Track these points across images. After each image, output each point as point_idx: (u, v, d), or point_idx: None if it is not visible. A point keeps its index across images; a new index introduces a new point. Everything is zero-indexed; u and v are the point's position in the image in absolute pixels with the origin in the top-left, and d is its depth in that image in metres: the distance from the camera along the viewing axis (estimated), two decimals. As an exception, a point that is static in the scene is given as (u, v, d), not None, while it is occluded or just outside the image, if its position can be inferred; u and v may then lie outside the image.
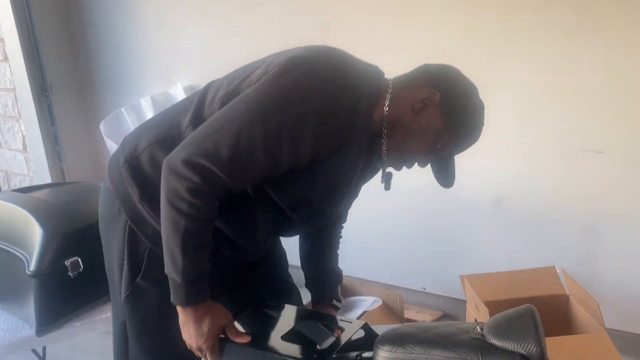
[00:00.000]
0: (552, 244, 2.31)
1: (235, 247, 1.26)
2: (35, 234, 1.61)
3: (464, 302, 2.28)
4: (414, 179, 2.61)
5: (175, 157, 1.07)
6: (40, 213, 1.67)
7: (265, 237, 1.30)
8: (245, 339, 1.15)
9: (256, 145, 1.05)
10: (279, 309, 1.33)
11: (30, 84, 3.15)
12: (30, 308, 1.63)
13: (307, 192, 1.17)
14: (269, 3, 2.61)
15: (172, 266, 1.11)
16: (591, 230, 2.22)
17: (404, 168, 1.24)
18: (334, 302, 1.47)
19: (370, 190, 2.66)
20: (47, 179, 3.31)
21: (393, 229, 2.67)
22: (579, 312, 2.00)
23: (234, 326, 1.18)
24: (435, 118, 1.12)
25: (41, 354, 1.89)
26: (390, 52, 2.15)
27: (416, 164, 1.21)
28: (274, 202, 1.18)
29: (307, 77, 1.07)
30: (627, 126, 2.07)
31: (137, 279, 1.25)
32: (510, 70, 2.21)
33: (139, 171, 1.21)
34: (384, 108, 1.12)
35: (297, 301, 1.42)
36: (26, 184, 3.53)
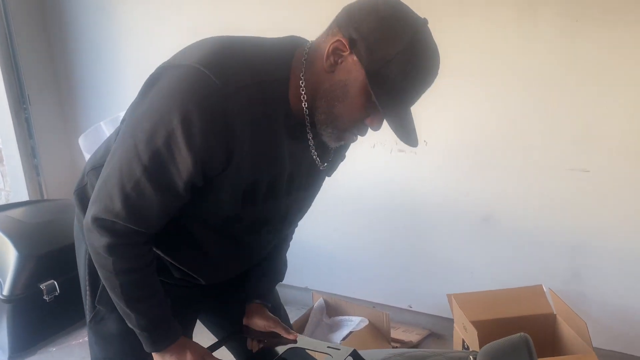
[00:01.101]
0: (538, 262, 2.31)
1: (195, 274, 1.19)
2: (9, 256, 1.55)
3: (451, 320, 2.25)
4: (401, 195, 2.61)
5: (87, 216, 1.00)
6: (15, 234, 1.60)
7: (224, 266, 1.20)
8: None
9: (141, 184, 0.93)
10: (263, 336, 1.28)
11: (7, 95, 3.07)
12: (2, 333, 1.56)
13: (228, 205, 1.03)
14: (260, 14, 2.57)
15: (127, 320, 1.07)
16: (578, 248, 2.22)
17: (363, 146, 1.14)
18: (262, 302, 1.26)
19: (357, 207, 2.65)
20: (24, 194, 3.22)
21: (378, 248, 2.64)
22: (567, 331, 1.99)
23: (213, 356, 1.14)
24: (354, 69, 0.91)
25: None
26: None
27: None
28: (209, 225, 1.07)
29: (175, 83, 0.91)
30: (613, 145, 2.08)
31: (95, 303, 1.20)
32: (496, 87, 2.21)
33: (85, 200, 1.12)
34: (299, 83, 0.96)
35: (284, 321, 1.35)
36: (2, 198, 3.42)
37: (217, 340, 1.30)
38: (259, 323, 1.21)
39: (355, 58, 0.91)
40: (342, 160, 1.22)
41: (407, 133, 0.96)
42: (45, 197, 3.21)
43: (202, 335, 1.34)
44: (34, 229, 1.67)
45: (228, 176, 0.97)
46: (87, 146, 2.83)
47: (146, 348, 1.08)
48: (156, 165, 0.92)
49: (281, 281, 1.33)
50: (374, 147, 2.49)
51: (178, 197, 0.97)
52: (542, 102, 2.15)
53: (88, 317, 1.22)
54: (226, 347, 1.32)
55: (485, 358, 0.96)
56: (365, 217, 2.62)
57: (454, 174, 2.38)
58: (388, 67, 0.89)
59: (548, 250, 2.28)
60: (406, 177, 2.48)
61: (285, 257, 1.34)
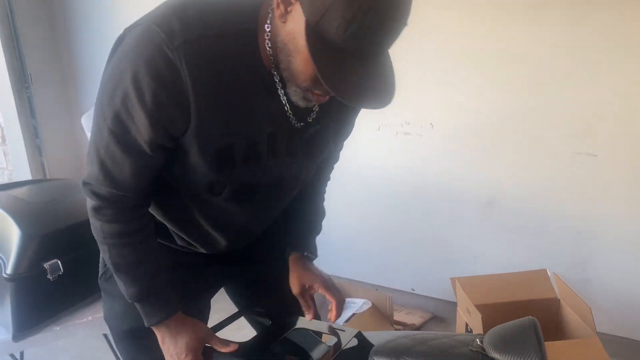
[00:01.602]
0: (543, 247, 2.30)
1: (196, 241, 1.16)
2: (12, 235, 1.54)
3: (454, 303, 2.25)
4: (405, 179, 2.59)
5: (80, 180, 1.01)
6: (18, 213, 1.59)
7: (222, 237, 1.14)
8: (232, 347, 1.10)
9: (110, 147, 0.92)
10: (269, 315, 1.28)
11: (9, 75, 3.05)
12: (6, 312, 1.56)
13: (204, 169, 0.97)
14: None
15: (120, 288, 1.06)
16: (583, 233, 2.20)
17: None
18: (308, 254, 1.23)
19: (361, 190, 2.64)
20: (27, 174, 3.21)
21: (382, 230, 2.64)
22: (570, 316, 1.98)
23: (216, 336, 1.12)
24: (299, 19, 0.81)
25: (19, 358, 1.81)
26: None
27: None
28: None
29: (131, 42, 0.88)
30: (621, 129, 2.06)
31: (100, 279, 1.20)
32: (503, 71, 2.18)
33: None
34: (265, 35, 0.89)
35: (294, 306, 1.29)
36: (5, 177, 3.42)
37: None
38: (302, 279, 1.19)
39: (299, 6, 0.80)
40: (348, 127, 1.14)
41: (356, 91, 0.81)
42: (47, 177, 3.20)
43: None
44: (37, 208, 1.66)
45: (194, 136, 0.92)
46: (90, 125, 2.81)
47: (144, 322, 1.07)
48: (119, 127, 0.91)
49: (319, 232, 1.27)
50: (379, 129, 2.47)
51: (147, 158, 0.94)
52: (550, 86, 2.12)
53: (100, 273, 1.22)
54: (245, 317, 1.31)
55: (492, 341, 0.95)
56: (369, 200, 2.61)
57: (459, 157, 2.36)
58: (326, 17, 0.76)
59: (553, 236, 2.26)
60: (411, 159, 2.46)
61: (322, 207, 1.30)
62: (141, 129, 0.90)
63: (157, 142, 0.92)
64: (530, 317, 0.99)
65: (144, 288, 1.04)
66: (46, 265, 1.57)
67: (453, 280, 2.17)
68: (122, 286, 1.04)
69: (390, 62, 0.86)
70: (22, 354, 1.83)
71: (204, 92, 0.87)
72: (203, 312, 1.29)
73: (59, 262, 1.59)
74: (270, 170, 1.03)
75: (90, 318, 1.70)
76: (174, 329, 1.07)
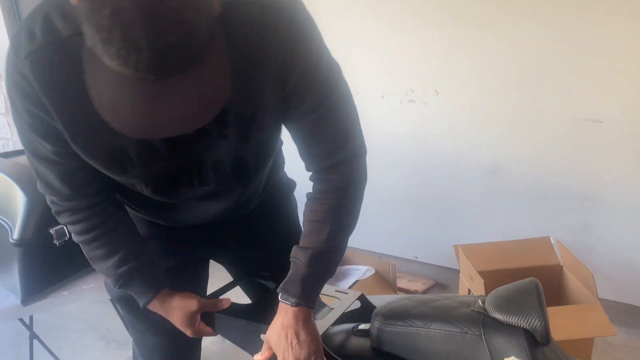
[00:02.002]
0: (547, 214, 2.29)
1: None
2: (18, 201, 1.55)
3: (457, 271, 2.27)
4: (409, 147, 2.58)
5: None
6: (24, 179, 1.60)
7: (189, 219, 1.11)
8: (225, 303, 1.11)
9: (31, 159, 0.93)
10: (274, 278, 1.29)
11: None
12: (14, 277, 1.59)
13: (107, 171, 0.93)
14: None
15: None
16: (587, 200, 2.20)
17: None
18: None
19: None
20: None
21: (385, 199, 2.64)
22: (573, 282, 2.00)
23: (206, 302, 1.11)
24: None
25: (28, 323, 1.85)
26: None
27: None
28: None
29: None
30: (628, 95, 2.03)
31: None
32: (509, 35, 2.14)
33: None
34: None
35: None
36: (9, 148, 3.42)
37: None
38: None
39: None
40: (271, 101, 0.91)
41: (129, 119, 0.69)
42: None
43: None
44: (41, 174, 1.66)
45: (74, 144, 0.88)
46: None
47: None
48: (26, 142, 0.91)
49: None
50: (382, 97, 2.44)
51: (61, 165, 0.91)
52: (556, 52, 2.09)
53: None
54: (240, 286, 1.32)
55: (494, 301, 0.96)
56: (372, 168, 2.60)
57: (463, 124, 2.35)
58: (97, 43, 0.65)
59: (557, 203, 2.26)
60: (415, 127, 2.45)
61: (339, 241, 1.02)
62: (39, 141, 0.89)
63: (59, 150, 0.89)
64: (532, 278, 0.99)
65: (120, 276, 1.04)
66: (52, 230, 1.59)
67: (456, 247, 2.18)
68: (104, 274, 1.06)
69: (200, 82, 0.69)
70: (31, 318, 1.86)
71: (59, 102, 0.83)
72: (200, 281, 1.28)
73: (65, 227, 1.60)
74: (177, 158, 0.93)
75: (95, 284, 1.72)
76: (164, 308, 1.08)
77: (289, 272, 1.00)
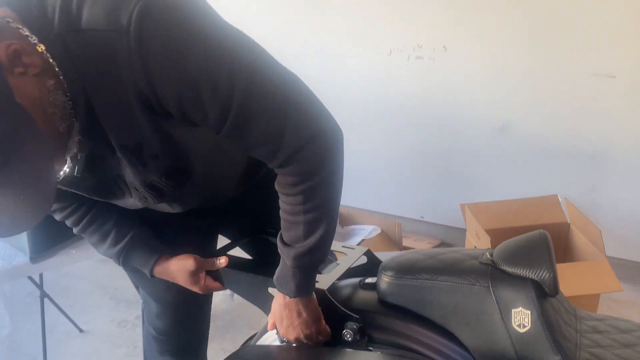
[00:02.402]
0: (555, 173, 2.27)
1: None
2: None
3: (463, 230, 2.27)
4: (416, 105, 2.53)
5: None
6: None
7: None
8: (223, 260, 1.10)
9: None
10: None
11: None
12: (23, 236, 1.59)
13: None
14: None
15: None
16: (596, 158, 2.17)
17: None
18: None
19: (370, 117, 2.60)
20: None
21: (392, 158, 2.62)
22: (580, 240, 1.99)
23: (204, 261, 1.10)
24: None
25: (38, 282, 1.87)
26: None
27: None
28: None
29: None
30: (641, 49, 1.97)
31: None
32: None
33: None
34: None
35: None
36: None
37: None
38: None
39: None
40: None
41: None
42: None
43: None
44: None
45: None
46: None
47: None
48: None
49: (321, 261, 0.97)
50: (390, 54, 2.39)
51: None
52: (566, 6, 2.02)
53: None
54: (240, 246, 1.33)
55: (502, 253, 0.95)
56: (378, 127, 2.58)
57: (472, 81, 2.30)
58: None
59: (566, 161, 2.23)
60: (422, 85, 2.40)
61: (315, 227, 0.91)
62: None
63: None
64: (541, 230, 0.98)
65: (119, 254, 1.09)
66: (59, 188, 1.59)
67: (463, 206, 2.17)
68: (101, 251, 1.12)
69: None
70: (41, 277, 1.88)
71: None
72: (209, 252, 1.26)
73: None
74: (98, 175, 0.92)
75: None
76: (167, 274, 1.10)
77: (279, 267, 0.97)
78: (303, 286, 0.95)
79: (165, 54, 0.71)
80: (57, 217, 1.08)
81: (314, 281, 0.99)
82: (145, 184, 0.92)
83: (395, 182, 2.67)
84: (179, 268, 1.08)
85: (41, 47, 0.71)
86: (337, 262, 1.16)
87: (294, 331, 0.99)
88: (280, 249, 0.94)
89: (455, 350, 0.95)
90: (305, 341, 1.00)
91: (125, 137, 0.81)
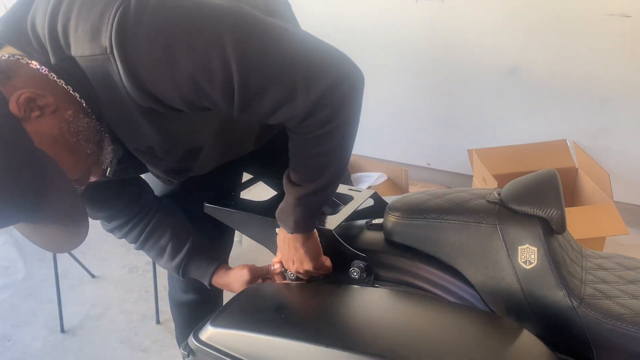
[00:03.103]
0: (565, 117, 2.24)
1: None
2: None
3: (469, 177, 2.26)
4: (423, 48, 2.47)
5: None
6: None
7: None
8: (278, 267, 1.11)
9: None
10: None
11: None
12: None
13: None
14: None
15: None
16: (607, 101, 2.13)
17: None
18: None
19: (376, 62, 2.54)
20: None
21: (398, 104, 2.58)
22: (588, 184, 1.98)
23: (260, 270, 1.13)
24: None
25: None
26: None
27: None
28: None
29: None
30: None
31: None
32: None
33: None
34: None
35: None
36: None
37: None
38: None
39: None
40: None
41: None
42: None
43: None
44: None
45: None
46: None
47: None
48: None
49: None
50: (397, -5, 2.32)
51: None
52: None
53: None
54: (263, 181, 1.34)
55: (511, 192, 0.94)
56: (385, 73, 2.53)
57: (482, 22, 2.23)
58: None
59: (576, 104, 2.20)
60: (430, 26, 2.34)
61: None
62: None
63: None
64: (550, 169, 0.97)
65: (177, 267, 1.14)
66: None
67: (470, 151, 2.15)
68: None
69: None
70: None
71: None
72: (234, 185, 1.29)
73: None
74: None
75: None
76: (225, 285, 1.15)
77: (283, 201, 0.96)
78: (302, 224, 0.96)
79: (153, 64, 0.72)
80: (117, 235, 1.13)
81: (314, 221, 0.99)
82: (165, 171, 1.00)
83: (402, 129, 2.64)
84: (235, 279, 1.12)
85: (53, 76, 0.75)
86: (344, 204, 1.16)
87: (293, 265, 1.02)
88: (285, 185, 0.94)
89: (461, 287, 0.96)
90: (303, 275, 1.04)
91: (137, 142, 0.87)
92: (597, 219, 1.77)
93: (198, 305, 1.37)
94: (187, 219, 1.18)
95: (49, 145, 0.73)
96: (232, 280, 1.13)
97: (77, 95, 0.77)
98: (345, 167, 0.94)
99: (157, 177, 1.03)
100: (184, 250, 1.13)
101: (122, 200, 1.08)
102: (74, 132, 0.76)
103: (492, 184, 1.89)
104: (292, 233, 0.98)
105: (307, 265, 1.00)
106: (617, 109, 2.13)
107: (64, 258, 2.17)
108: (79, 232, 0.78)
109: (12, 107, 0.71)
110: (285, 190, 0.95)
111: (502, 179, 1.88)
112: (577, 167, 2.07)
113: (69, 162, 0.76)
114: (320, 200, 0.94)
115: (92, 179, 0.85)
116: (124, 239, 1.15)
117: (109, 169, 0.86)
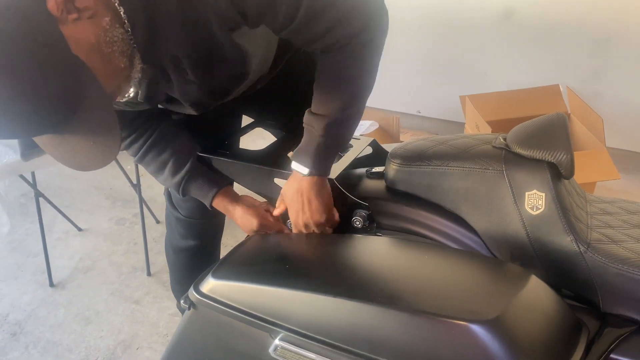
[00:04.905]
0: (558, 60, 2.20)
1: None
2: None
3: (461, 124, 2.23)
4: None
5: None
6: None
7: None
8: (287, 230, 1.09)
9: None
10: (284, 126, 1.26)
11: None
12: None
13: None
14: None
15: None
16: (602, 44, 2.09)
17: None
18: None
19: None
20: None
21: (387, 51, 2.51)
22: (581, 130, 1.97)
23: (269, 226, 1.08)
24: None
25: (31, 180, 1.84)
26: None
27: None
28: None
29: None
30: None
31: None
32: None
33: None
34: None
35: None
36: None
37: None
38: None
39: None
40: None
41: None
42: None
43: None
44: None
45: None
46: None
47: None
48: None
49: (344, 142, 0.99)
50: None
51: None
52: None
53: None
54: (262, 127, 1.30)
55: (517, 136, 0.92)
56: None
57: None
58: None
59: (570, 48, 2.16)
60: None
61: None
62: None
63: None
64: (559, 112, 0.94)
65: (178, 184, 1.09)
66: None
67: (462, 97, 2.12)
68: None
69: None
70: (33, 175, 1.84)
71: None
72: (233, 129, 1.26)
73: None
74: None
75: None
76: (228, 214, 1.11)
77: (302, 140, 0.96)
78: (322, 164, 0.96)
79: None
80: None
81: (331, 162, 0.98)
82: (210, 93, 0.95)
83: (392, 76, 2.58)
84: (242, 222, 1.09)
85: None
86: (343, 153, 1.13)
87: (303, 216, 0.98)
88: (310, 120, 0.94)
89: (465, 234, 0.95)
90: (313, 229, 1.00)
91: (194, 47, 0.83)
92: (589, 164, 1.77)
93: (197, 251, 1.36)
94: None
95: (85, 52, 0.68)
96: (236, 215, 1.09)
97: (116, 1, 0.72)
98: (366, 99, 0.97)
99: (185, 102, 0.97)
100: (186, 168, 1.09)
101: (127, 116, 1.03)
102: (110, 42, 0.72)
103: (486, 130, 1.87)
104: (308, 175, 0.95)
105: (320, 217, 0.98)
106: (609, 52, 2.10)
107: (48, 212, 2.12)
108: (110, 149, 0.72)
109: (51, 5, 0.65)
110: (306, 129, 0.95)
111: (495, 125, 1.86)
112: (569, 112, 2.05)
113: (104, 73, 0.71)
114: (345, 134, 0.97)
115: (119, 97, 0.81)
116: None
117: (139, 92, 0.84)
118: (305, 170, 0.95)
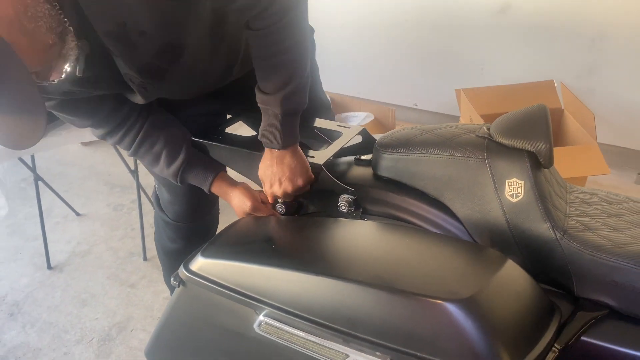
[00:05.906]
0: (554, 56, 2.22)
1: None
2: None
3: (456, 118, 2.26)
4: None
5: None
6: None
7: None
8: (281, 210, 1.11)
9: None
10: None
11: None
12: (10, 116, 1.55)
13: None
14: None
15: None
16: (597, 40, 2.11)
17: None
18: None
19: (362, 6, 2.47)
20: None
21: (384, 43, 2.53)
22: (573, 125, 2.00)
23: (262, 209, 1.11)
24: None
25: (30, 165, 1.87)
26: None
27: None
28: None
29: None
30: None
31: None
32: None
33: None
34: None
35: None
36: None
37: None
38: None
39: None
40: None
41: None
42: None
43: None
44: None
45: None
46: None
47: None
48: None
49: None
50: None
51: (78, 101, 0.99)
52: None
53: None
54: (244, 121, 1.31)
55: (500, 126, 0.94)
56: (372, 12, 2.46)
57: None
58: None
59: (565, 44, 2.18)
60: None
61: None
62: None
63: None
64: (540, 104, 0.97)
65: (174, 173, 1.11)
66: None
67: (458, 91, 2.14)
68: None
69: None
70: (32, 158, 1.87)
71: None
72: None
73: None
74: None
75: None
76: (225, 198, 1.13)
77: (263, 120, 1.01)
78: (290, 134, 1.00)
79: None
80: (110, 141, 1.10)
81: (297, 129, 1.03)
82: (140, 70, 0.92)
83: (389, 68, 2.61)
84: (236, 202, 1.11)
85: None
86: (333, 141, 1.15)
87: (283, 184, 1.03)
88: (263, 100, 0.98)
89: (447, 220, 0.97)
90: (292, 194, 1.04)
91: (109, 20, 0.82)
92: (580, 159, 1.80)
93: (186, 251, 1.36)
94: None
95: (5, 27, 0.67)
96: (232, 197, 1.12)
97: None
98: (308, 66, 1.00)
99: (131, 81, 0.96)
100: (181, 157, 1.10)
101: (104, 109, 1.04)
102: (33, 17, 0.70)
103: (480, 123, 1.89)
104: (280, 148, 1.00)
105: (300, 181, 1.02)
106: (604, 48, 2.11)
107: (47, 196, 2.15)
108: (36, 127, 0.72)
109: None
110: (264, 107, 0.99)
111: (489, 119, 1.86)
112: (562, 107, 2.08)
113: (27, 49, 0.70)
114: (300, 101, 1.00)
115: (55, 75, 0.79)
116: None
117: (77, 67, 0.82)
118: (277, 146, 1.01)
